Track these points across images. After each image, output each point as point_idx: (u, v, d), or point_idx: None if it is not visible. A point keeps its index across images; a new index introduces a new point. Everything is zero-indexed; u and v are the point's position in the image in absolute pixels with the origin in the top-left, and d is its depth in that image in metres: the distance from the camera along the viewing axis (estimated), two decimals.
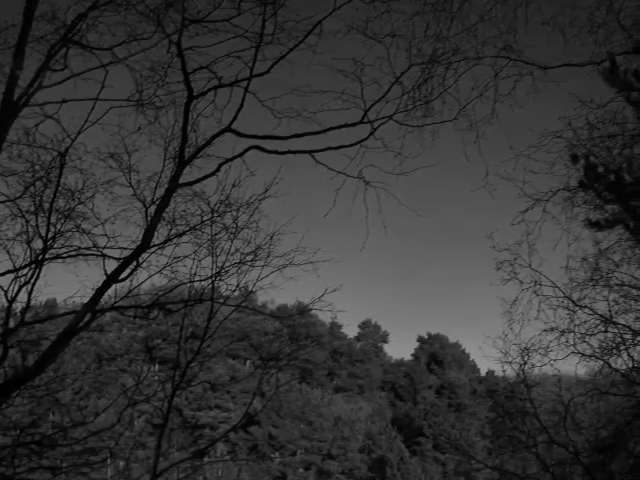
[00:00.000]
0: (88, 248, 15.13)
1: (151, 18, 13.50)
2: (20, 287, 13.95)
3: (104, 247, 14.99)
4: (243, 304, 19.30)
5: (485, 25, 15.49)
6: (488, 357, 25.91)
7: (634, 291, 21.76)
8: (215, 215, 15.93)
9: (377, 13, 14.61)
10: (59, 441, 18.47)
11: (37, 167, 14.42)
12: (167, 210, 14.68)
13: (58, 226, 14.61)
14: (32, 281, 14.00)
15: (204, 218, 15.88)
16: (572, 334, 22.29)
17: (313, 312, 20.32)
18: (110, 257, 14.70)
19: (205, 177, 14.81)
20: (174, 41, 13.49)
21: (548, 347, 22.93)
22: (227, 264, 16.43)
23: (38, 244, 14.35)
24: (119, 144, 15.05)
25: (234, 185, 15.62)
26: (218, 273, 16.31)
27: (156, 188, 14.72)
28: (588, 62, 15.40)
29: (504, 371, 26.16)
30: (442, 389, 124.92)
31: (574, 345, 22.36)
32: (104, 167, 15.12)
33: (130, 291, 15.61)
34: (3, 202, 14.47)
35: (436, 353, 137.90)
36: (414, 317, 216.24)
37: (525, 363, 24.14)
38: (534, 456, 24.25)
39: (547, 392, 28.01)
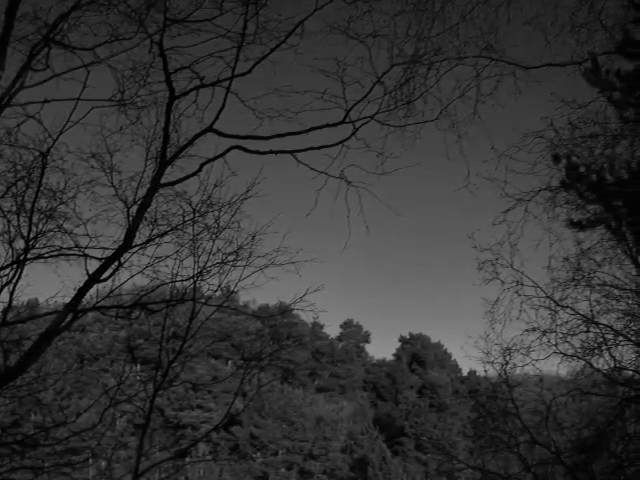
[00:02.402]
0: (70, 248, 15.12)
1: (133, 18, 13.53)
2: (2, 287, 13.93)
3: (86, 247, 14.98)
4: (225, 304, 19.33)
5: (467, 25, 15.61)
6: (470, 357, 26.08)
7: (616, 291, 21.92)
8: (197, 215, 15.97)
9: (359, 13, 14.69)
10: (41, 441, 18.45)
11: (19, 167, 14.41)
12: (149, 210, 14.71)
13: (40, 226, 14.60)
14: (14, 281, 13.99)
15: (186, 218, 15.92)
16: (554, 334, 22.45)
17: (295, 312, 20.44)
18: (92, 257, 14.70)
19: (187, 177, 14.86)
20: (156, 41, 13.52)
21: (530, 347, 23.08)
22: (209, 264, 16.47)
23: (20, 244, 14.33)
24: (101, 144, 15.06)
25: (216, 185, 15.67)
26: (200, 273, 16.36)
27: (138, 188, 14.74)
28: (570, 62, 15.53)
29: (486, 371, 26.32)
30: (424, 389, 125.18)
31: (556, 345, 22.51)
32: (86, 167, 15.13)
33: (112, 291, 15.61)
34: None
35: (418, 353, 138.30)
36: (396, 317, 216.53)
37: (507, 363, 24.29)
38: (516, 456, 24.40)
39: (529, 392, 28.16)
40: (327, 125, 15.05)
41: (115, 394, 17.52)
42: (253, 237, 16.32)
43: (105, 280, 14.52)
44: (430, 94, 15.78)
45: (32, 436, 17.99)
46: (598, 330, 22.18)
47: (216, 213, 16.17)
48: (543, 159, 17.36)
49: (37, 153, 14.14)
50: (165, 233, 15.60)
